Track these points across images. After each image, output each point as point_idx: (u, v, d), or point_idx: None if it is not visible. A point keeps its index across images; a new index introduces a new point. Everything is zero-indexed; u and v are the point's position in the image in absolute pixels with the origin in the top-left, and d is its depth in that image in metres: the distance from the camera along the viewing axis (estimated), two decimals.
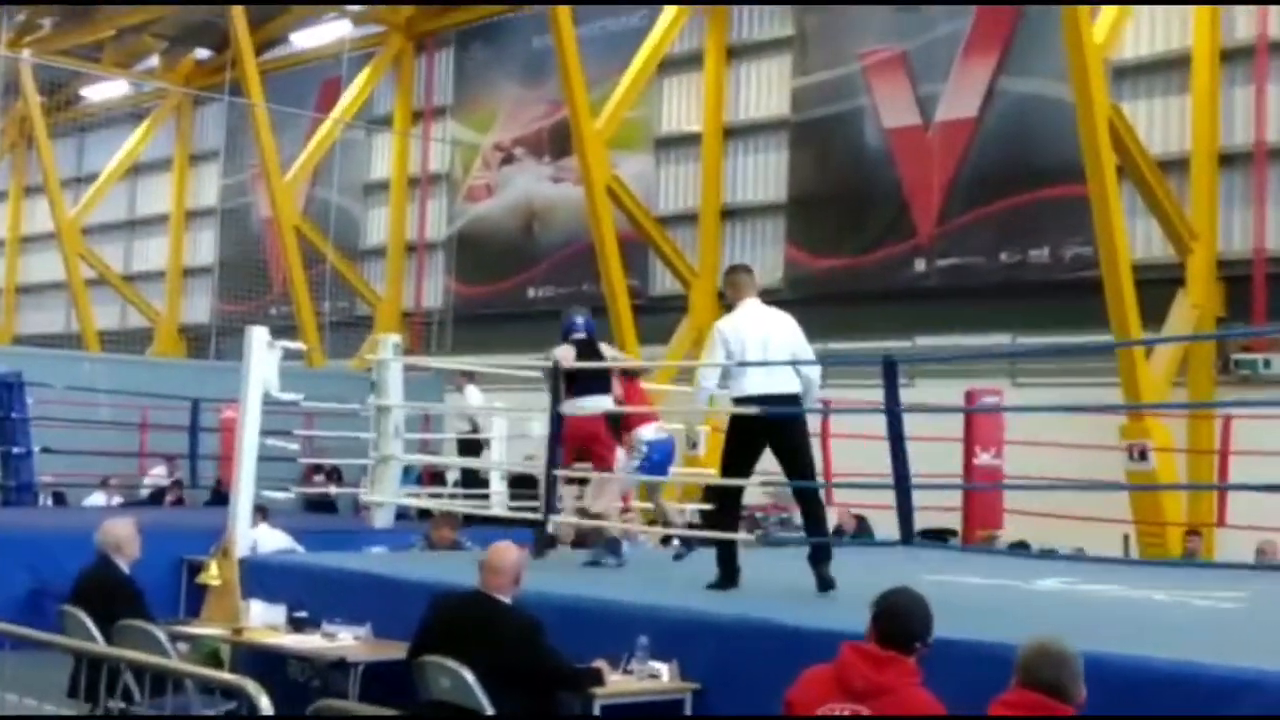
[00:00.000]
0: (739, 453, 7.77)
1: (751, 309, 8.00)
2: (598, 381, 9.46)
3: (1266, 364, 15.47)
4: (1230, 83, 16.80)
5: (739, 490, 8.04)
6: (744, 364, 7.75)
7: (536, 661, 6.19)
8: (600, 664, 6.43)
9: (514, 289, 24.12)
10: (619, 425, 9.51)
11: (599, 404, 9.39)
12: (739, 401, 7.75)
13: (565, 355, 9.38)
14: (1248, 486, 11.45)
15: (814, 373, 7.94)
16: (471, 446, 15.00)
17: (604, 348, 9.93)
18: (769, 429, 7.67)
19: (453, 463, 15.70)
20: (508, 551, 6.54)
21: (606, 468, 9.48)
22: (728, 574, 7.78)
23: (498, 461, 14.11)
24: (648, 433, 9.61)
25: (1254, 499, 12.12)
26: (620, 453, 9.59)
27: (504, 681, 6.10)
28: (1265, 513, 12.26)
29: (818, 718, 4.66)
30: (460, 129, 25.84)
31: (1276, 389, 15.16)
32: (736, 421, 7.81)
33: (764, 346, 7.73)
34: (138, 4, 26.90)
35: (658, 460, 9.71)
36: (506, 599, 6.42)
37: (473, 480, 14.92)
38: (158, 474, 18.03)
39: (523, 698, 6.16)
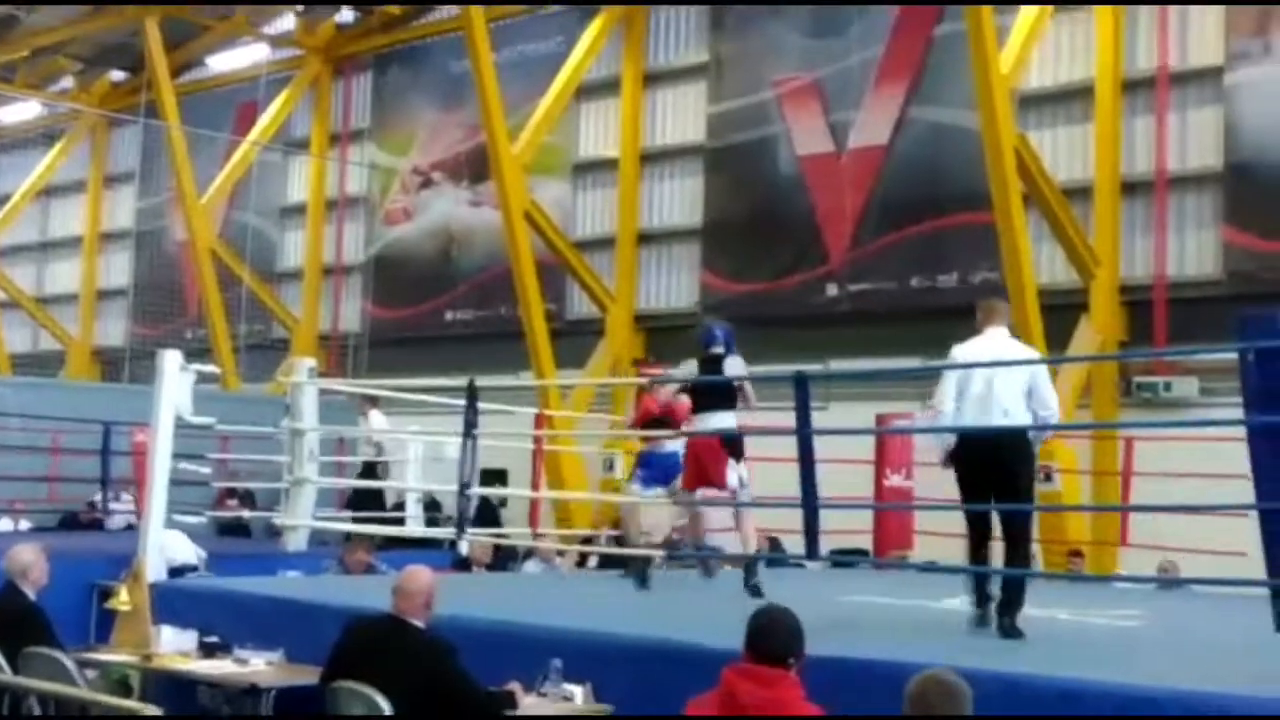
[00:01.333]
0: (963, 492, 7.42)
1: (990, 338, 7.63)
2: (719, 398, 9.16)
3: (1167, 387, 15.85)
4: (1132, 113, 17.23)
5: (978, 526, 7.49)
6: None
7: (449, 685, 6.22)
8: (513, 686, 6.48)
9: (432, 312, 24.09)
10: (738, 444, 9.19)
11: (718, 421, 9.16)
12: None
13: (736, 368, 9.22)
14: (1149, 507, 11.78)
15: (1047, 410, 7.40)
16: (373, 471, 15.00)
17: (734, 363, 9.38)
18: (981, 466, 7.26)
19: (368, 485, 15.63)
20: (420, 575, 6.57)
21: (718, 485, 9.20)
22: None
23: (414, 484, 14.09)
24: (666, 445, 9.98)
25: (1155, 519, 12.49)
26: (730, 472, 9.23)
27: (417, 706, 6.12)
28: (1166, 532, 12.64)
29: None
30: (378, 152, 25.79)
31: (1176, 411, 15.54)
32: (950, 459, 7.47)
33: (988, 381, 7.32)
34: (52, 2, 26.40)
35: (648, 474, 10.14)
36: (419, 623, 6.45)
37: (371, 504, 14.91)
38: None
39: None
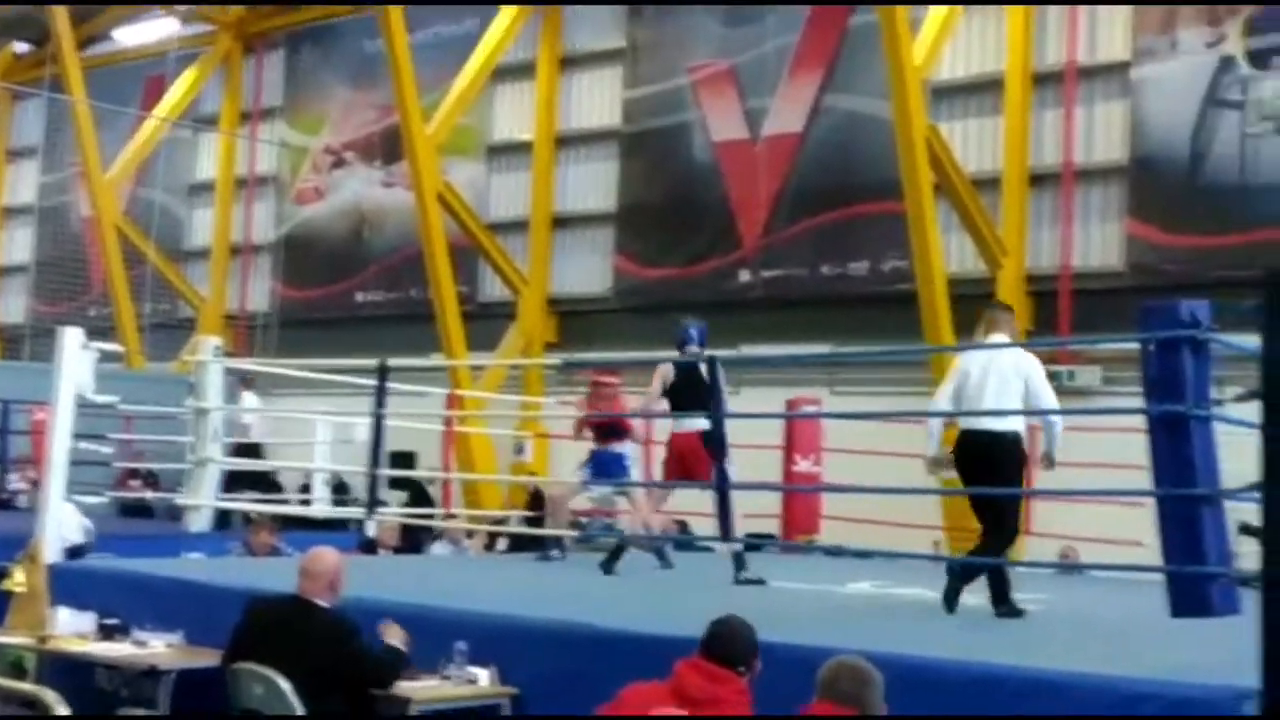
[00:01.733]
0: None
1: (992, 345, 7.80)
2: (697, 399, 9.10)
3: (1071, 376, 16.08)
4: (1041, 106, 17.46)
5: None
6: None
7: (351, 664, 6.18)
8: (390, 629, 6.44)
9: (342, 293, 23.85)
10: (720, 445, 9.14)
11: (696, 423, 9.17)
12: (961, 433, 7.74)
13: (664, 374, 9.35)
14: (1052, 493, 11.94)
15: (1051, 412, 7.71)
16: (247, 451, 14.86)
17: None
18: (971, 467, 7.56)
19: (279, 466, 15.51)
20: (325, 556, 6.52)
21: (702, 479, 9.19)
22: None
23: (321, 465, 13.96)
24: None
25: (1058, 505, 12.68)
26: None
27: (320, 686, 6.07)
28: (1067, 519, 12.85)
29: (650, 717, 4.91)
30: (289, 131, 25.46)
31: (1080, 399, 15.78)
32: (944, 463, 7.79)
33: (980, 383, 7.55)
34: None
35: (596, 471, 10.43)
36: (324, 604, 6.39)
37: (251, 485, 14.80)
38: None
39: (339, 703, 6.14)
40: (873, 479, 11.90)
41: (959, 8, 17.00)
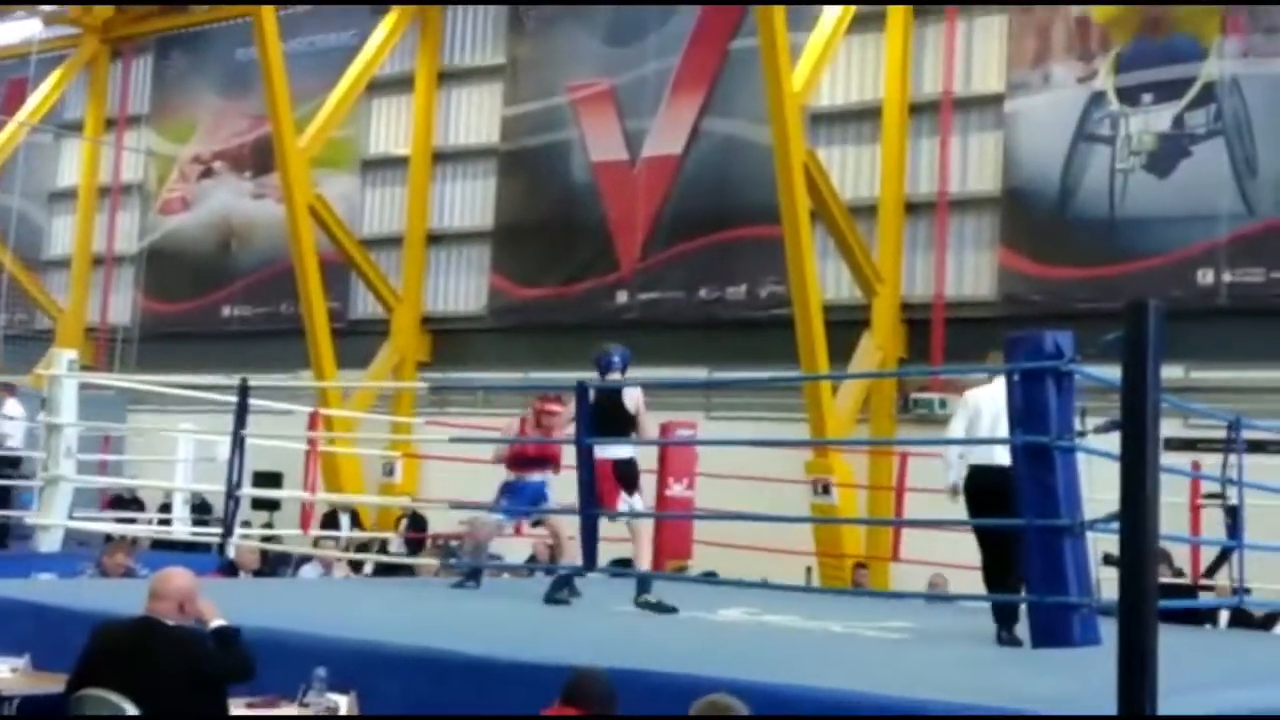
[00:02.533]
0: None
1: (997, 383, 7.57)
2: (616, 428, 8.88)
3: (943, 404, 16.25)
4: (917, 135, 17.68)
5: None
6: None
7: (209, 671, 5.97)
8: (205, 607, 6.20)
9: (208, 307, 23.33)
10: (630, 473, 8.96)
11: (613, 452, 8.87)
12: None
13: (635, 397, 8.94)
14: (920, 523, 12.03)
15: None
16: (6, 464, 14.43)
17: (631, 393, 9.16)
18: (981, 498, 7.51)
19: (137, 484, 15.05)
20: (174, 576, 6.27)
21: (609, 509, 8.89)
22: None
23: (181, 485, 13.57)
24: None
25: (927, 534, 12.77)
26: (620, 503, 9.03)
27: (178, 705, 5.85)
28: (937, 548, 12.94)
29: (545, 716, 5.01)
30: (156, 139, 24.89)
31: (949, 428, 15.95)
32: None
33: (994, 420, 7.42)
34: None
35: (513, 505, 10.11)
36: (172, 622, 6.16)
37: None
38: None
39: (193, 708, 5.91)
40: (745, 504, 11.93)
41: (839, 35, 17.11)
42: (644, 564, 9.12)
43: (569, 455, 9.28)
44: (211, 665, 6.02)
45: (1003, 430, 7.28)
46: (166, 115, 24.79)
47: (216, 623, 6.19)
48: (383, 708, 6.39)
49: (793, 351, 15.76)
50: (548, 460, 10.17)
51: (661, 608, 8.75)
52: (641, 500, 9.10)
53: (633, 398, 9.02)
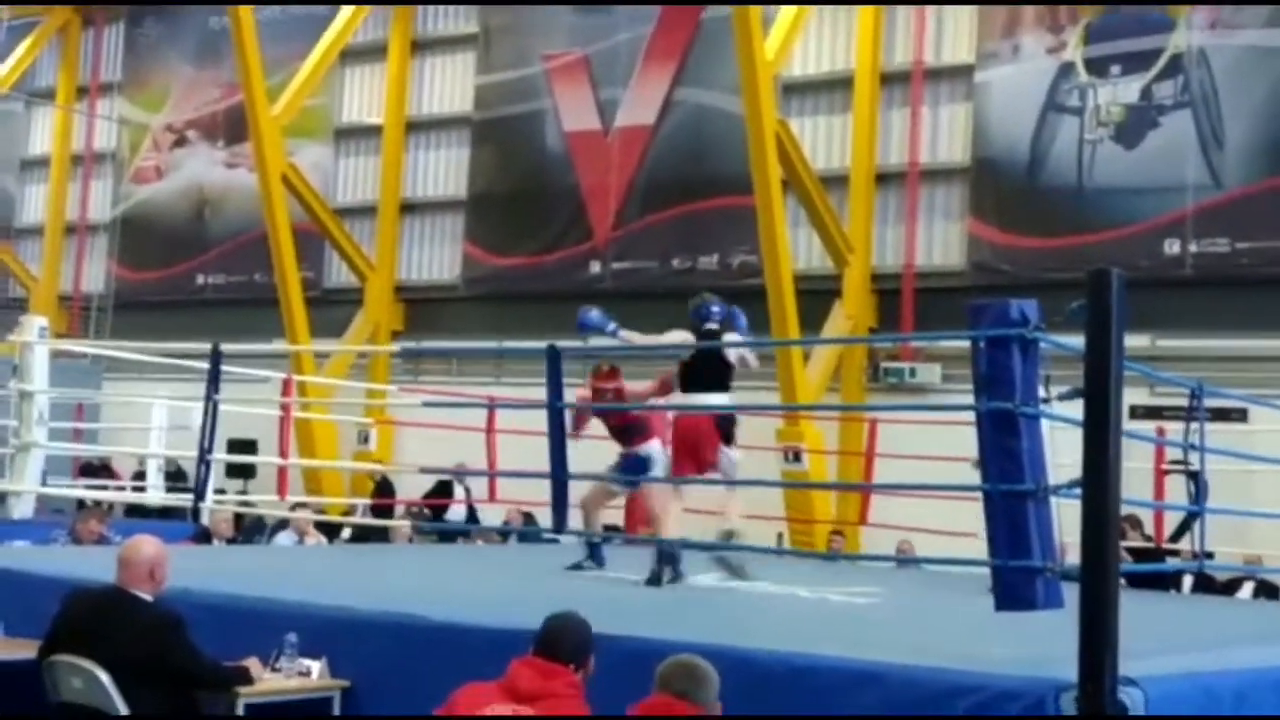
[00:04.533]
0: None
1: None
2: (713, 378, 8.50)
3: (912, 373, 16.40)
4: (888, 105, 17.75)
5: None
6: None
7: (174, 659, 5.99)
8: (251, 662, 6.28)
9: (182, 276, 23.28)
10: (729, 424, 8.56)
11: (710, 400, 8.46)
12: None
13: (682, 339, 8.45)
14: (886, 487, 12.15)
15: None
16: None
17: (733, 338, 8.81)
18: None
19: (111, 451, 15.07)
20: (143, 544, 6.30)
21: (709, 465, 8.43)
22: None
23: (155, 451, 13.59)
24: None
25: (896, 500, 12.90)
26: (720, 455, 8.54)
27: (141, 681, 5.88)
28: (905, 513, 13.08)
29: (482, 717, 4.85)
30: (129, 107, 24.76)
31: (919, 395, 16.10)
32: None
33: None
34: None
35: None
36: (146, 595, 6.18)
37: None
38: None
39: (161, 697, 5.95)
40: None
41: (810, 6, 17.16)
42: (734, 519, 8.62)
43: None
44: (186, 662, 6.03)
45: None
46: (139, 83, 24.66)
47: (245, 664, 6.18)
48: (354, 673, 6.45)
49: (764, 321, 15.81)
50: (645, 429, 9.37)
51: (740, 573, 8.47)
52: (737, 453, 8.67)
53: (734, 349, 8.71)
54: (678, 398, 8.70)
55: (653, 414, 9.48)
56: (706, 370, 8.48)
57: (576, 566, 9.34)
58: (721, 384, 8.57)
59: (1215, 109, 15.41)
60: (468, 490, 15.07)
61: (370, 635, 6.50)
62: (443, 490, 15.84)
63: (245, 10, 18.96)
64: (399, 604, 6.83)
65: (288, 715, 6.33)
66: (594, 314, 8.95)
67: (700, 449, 8.41)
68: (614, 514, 13.77)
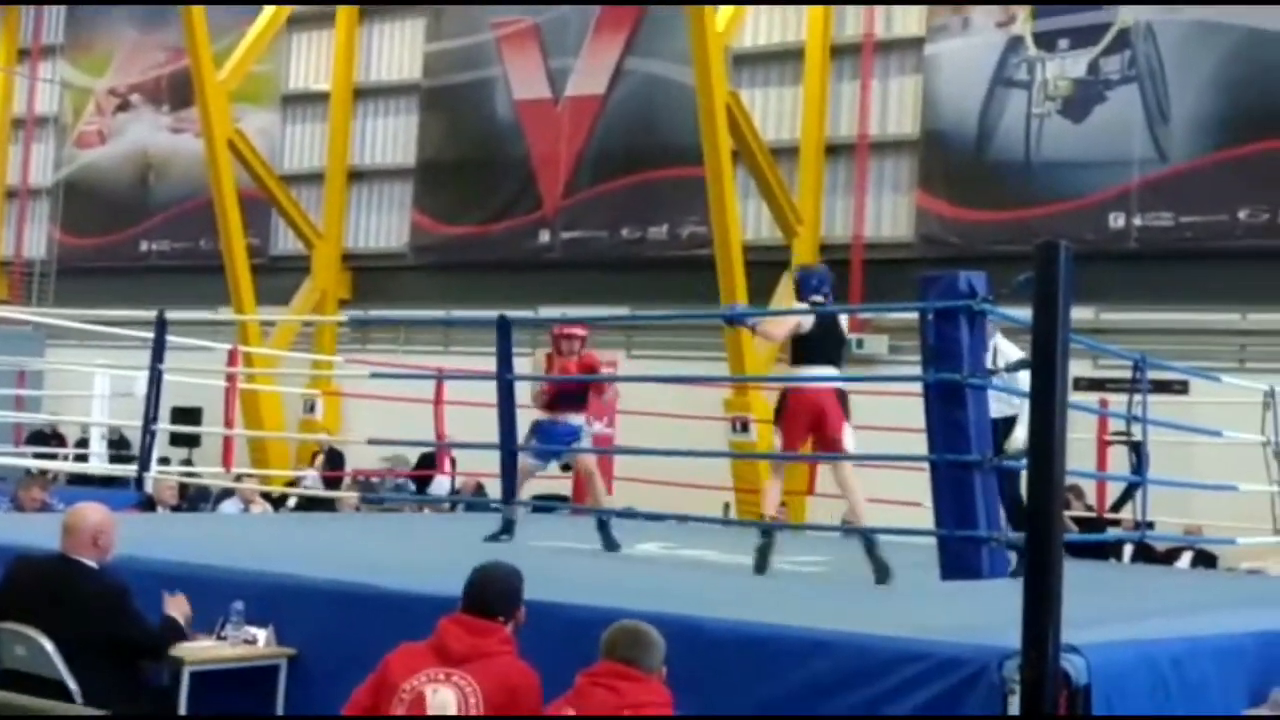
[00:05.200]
0: None
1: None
2: (830, 351, 8.05)
3: (860, 344, 16.45)
4: (839, 77, 17.77)
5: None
6: None
7: (119, 627, 5.95)
8: (175, 601, 6.22)
9: (126, 242, 23.02)
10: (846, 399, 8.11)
11: (828, 374, 8.05)
12: None
13: (801, 321, 7.90)
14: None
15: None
16: None
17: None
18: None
19: (54, 420, 14.91)
20: (88, 511, 6.25)
21: (833, 437, 7.98)
22: None
23: (99, 419, 13.46)
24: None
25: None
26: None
27: (86, 649, 5.84)
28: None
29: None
30: (72, 71, 24.40)
31: (867, 367, 16.19)
32: None
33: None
34: None
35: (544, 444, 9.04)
36: (91, 562, 6.14)
37: None
38: None
39: (106, 666, 5.92)
40: (665, 441, 12.04)
41: None
42: (858, 514, 8.25)
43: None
44: (132, 631, 6.00)
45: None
46: (82, 46, 24.32)
47: (174, 614, 6.16)
48: (301, 641, 6.42)
49: (713, 291, 15.88)
50: (580, 398, 9.24)
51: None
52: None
53: (840, 321, 8.36)
54: (785, 370, 8.39)
55: (593, 388, 9.46)
56: (825, 343, 8.02)
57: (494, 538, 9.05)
58: (837, 358, 8.16)
59: (1161, 84, 15.53)
60: (453, 461, 14.93)
61: (318, 603, 6.48)
62: (425, 463, 15.74)
63: None
64: (347, 572, 6.81)
65: (234, 683, 6.31)
66: (740, 307, 8.88)
67: (824, 424, 7.96)
68: (559, 484, 13.79)
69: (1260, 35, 14.94)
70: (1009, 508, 7.08)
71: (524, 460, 8.89)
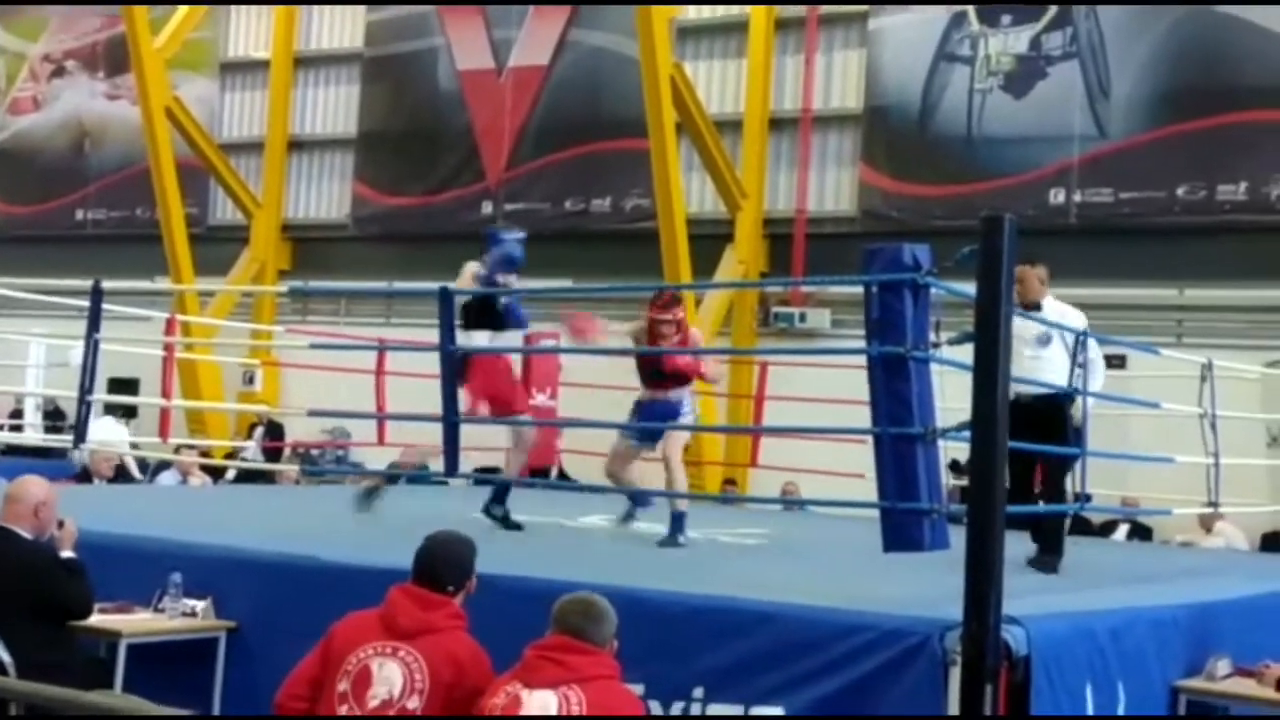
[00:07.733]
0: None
1: (1049, 307, 7.91)
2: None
3: (802, 318, 16.53)
4: (783, 51, 17.76)
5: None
6: None
7: (45, 589, 5.91)
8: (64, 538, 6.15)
9: (61, 210, 22.68)
10: None
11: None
12: None
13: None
14: (775, 430, 12.25)
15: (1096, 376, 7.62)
16: None
17: None
18: (1023, 424, 6.54)
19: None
20: (32, 485, 6.20)
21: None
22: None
23: (32, 390, 13.27)
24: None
25: (784, 442, 13.03)
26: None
27: (23, 616, 5.79)
28: (792, 455, 13.22)
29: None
30: (4, 35, 23.97)
31: (809, 340, 16.25)
32: None
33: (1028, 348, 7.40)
34: None
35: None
36: (27, 534, 6.08)
37: None
38: None
39: (38, 632, 5.85)
40: (608, 414, 12.01)
41: None
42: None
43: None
44: (60, 593, 5.95)
45: (1043, 360, 7.52)
46: (14, 11, 23.85)
47: (67, 554, 6.11)
48: (241, 614, 6.37)
49: (657, 264, 15.86)
50: (686, 375, 8.45)
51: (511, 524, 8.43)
52: None
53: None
54: None
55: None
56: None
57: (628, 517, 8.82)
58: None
59: (1102, 60, 15.63)
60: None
61: (258, 575, 6.43)
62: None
63: None
64: (287, 544, 6.76)
65: (172, 656, 6.25)
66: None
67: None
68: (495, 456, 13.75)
69: (1200, 13, 15.06)
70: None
71: (621, 443, 8.38)
